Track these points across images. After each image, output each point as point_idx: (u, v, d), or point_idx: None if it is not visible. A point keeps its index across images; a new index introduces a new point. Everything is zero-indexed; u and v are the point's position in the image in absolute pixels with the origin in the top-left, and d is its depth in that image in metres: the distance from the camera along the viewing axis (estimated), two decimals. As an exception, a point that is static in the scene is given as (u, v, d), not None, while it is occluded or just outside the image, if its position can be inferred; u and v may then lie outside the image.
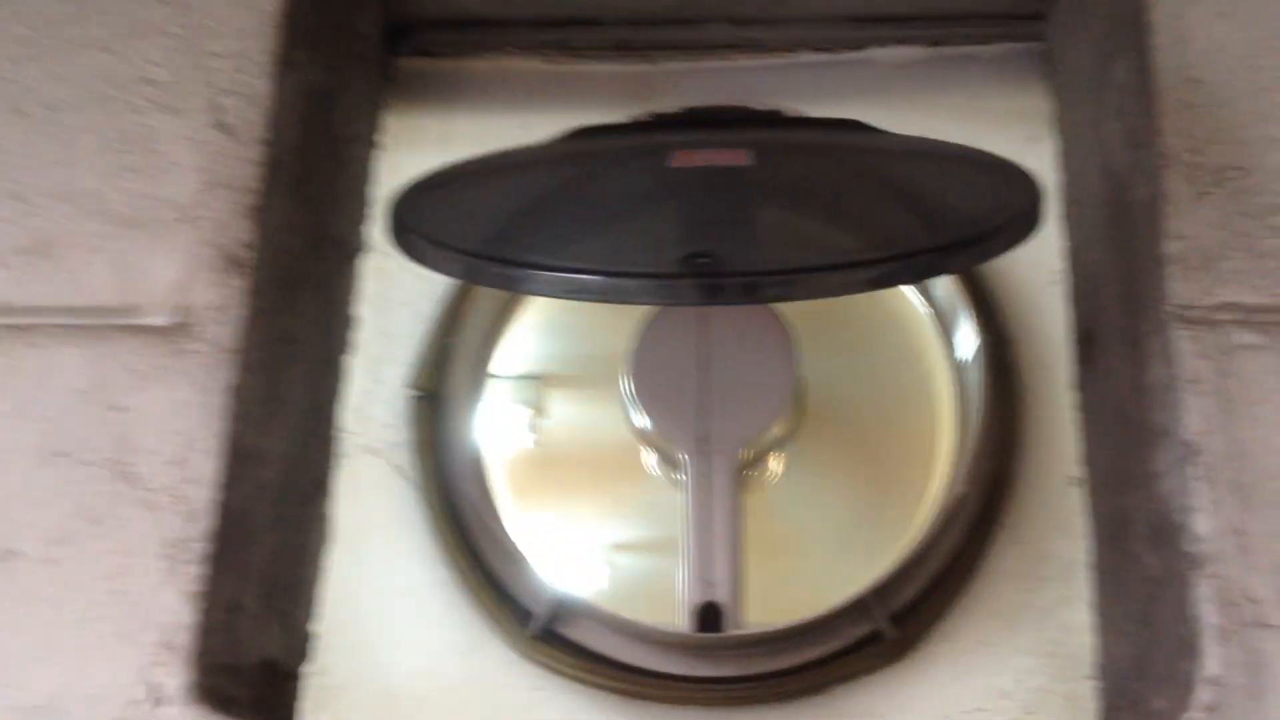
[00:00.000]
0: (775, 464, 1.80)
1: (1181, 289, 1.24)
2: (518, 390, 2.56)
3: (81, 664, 1.10)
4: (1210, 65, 1.33)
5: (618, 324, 1.66)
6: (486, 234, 1.16)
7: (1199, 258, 1.25)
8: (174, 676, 1.09)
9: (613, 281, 1.04)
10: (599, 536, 3.05)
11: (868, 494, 1.95)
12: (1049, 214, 1.22)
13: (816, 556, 1.97)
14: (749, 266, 1.06)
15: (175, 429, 1.17)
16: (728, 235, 1.11)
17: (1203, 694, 1.11)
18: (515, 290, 1.56)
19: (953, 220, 1.15)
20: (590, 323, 1.92)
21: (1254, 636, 1.12)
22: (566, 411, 2.52)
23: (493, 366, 1.81)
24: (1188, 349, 1.22)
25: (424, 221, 1.18)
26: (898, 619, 1.54)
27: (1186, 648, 1.15)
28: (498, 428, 2.50)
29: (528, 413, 2.59)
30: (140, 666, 1.10)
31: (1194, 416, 1.20)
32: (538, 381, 2.56)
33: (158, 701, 1.09)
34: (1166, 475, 1.24)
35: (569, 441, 2.52)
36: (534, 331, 2.19)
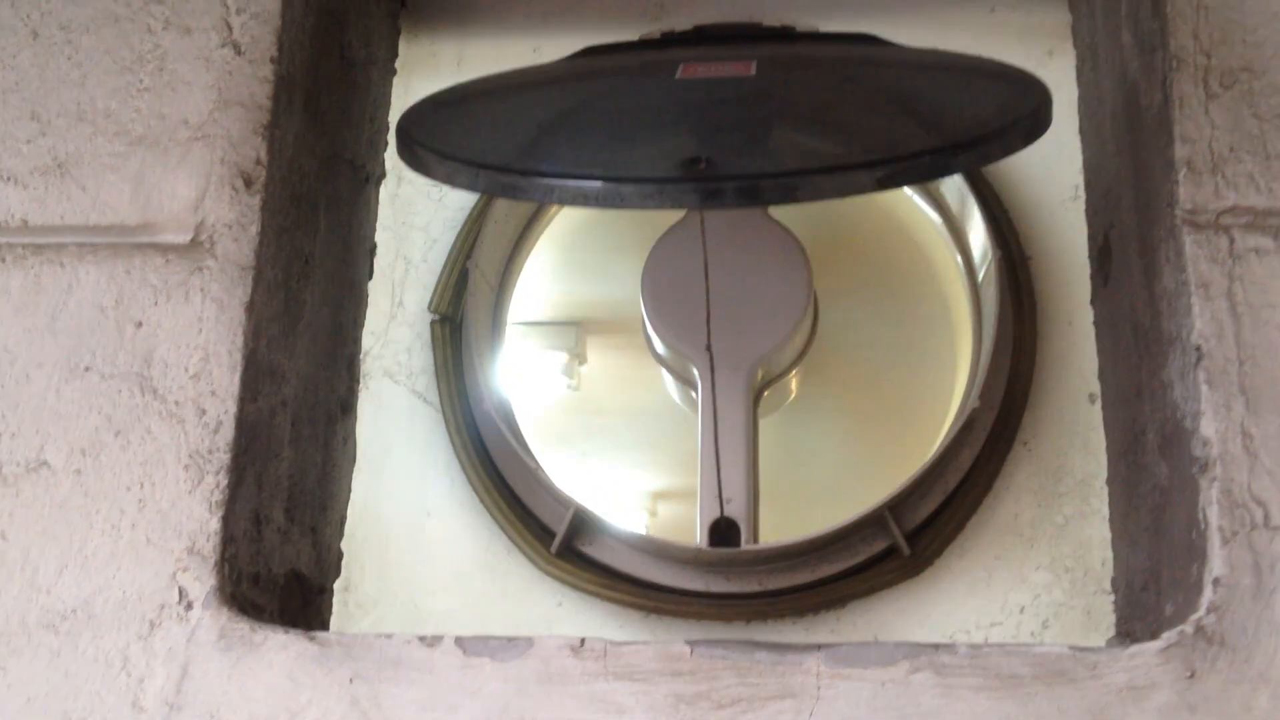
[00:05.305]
0: (792, 384, 1.81)
1: (1190, 193, 1.23)
2: (554, 336, 2.54)
3: (111, 570, 1.14)
4: (1221, -36, 1.31)
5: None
6: (491, 147, 1.18)
7: (1207, 161, 1.23)
8: (201, 581, 1.13)
9: (612, 187, 1.05)
10: (638, 484, 3.03)
11: (884, 413, 1.95)
12: (1054, 118, 1.21)
13: (833, 475, 1.98)
14: (749, 170, 1.07)
15: (195, 343, 1.20)
16: (729, 142, 1.11)
17: (1208, 595, 1.11)
18: (516, 198, 1.55)
19: (957, 123, 1.15)
20: (631, 268, 1.91)
21: (1260, 538, 1.12)
22: (605, 359, 2.50)
23: (524, 306, 1.81)
24: (1196, 254, 1.21)
25: (431, 136, 1.20)
26: (914, 535, 1.55)
27: (1194, 552, 1.15)
28: (532, 375, 2.45)
29: (564, 359, 2.58)
30: (169, 572, 1.13)
31: (1202, 321, 1.19)
32: (576, 328, 2.54)
33: (189, 605, 1.12)
34: (1177, 382, 1.23)
35: (606, 390, 2.51)
36: (572, 276, 2.17)
